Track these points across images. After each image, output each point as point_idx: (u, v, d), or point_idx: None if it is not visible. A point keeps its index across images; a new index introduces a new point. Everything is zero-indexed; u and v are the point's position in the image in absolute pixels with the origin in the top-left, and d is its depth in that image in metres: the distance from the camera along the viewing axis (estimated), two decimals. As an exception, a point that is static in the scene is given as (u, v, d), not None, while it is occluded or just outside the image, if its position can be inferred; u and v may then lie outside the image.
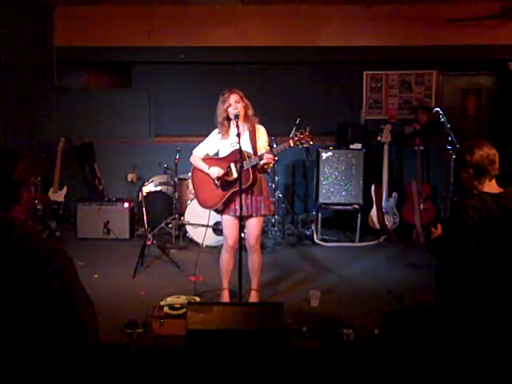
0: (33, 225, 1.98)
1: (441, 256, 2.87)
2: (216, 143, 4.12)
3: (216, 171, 3.99)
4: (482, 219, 2.58)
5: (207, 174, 4.07)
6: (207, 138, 4.16)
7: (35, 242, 1.83)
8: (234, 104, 3.93)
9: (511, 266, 2.61)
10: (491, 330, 2.56)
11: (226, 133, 4.04)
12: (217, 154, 4.18)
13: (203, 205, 4.18)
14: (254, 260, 4.13)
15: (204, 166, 4.07)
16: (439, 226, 2.94)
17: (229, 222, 4.07)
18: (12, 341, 1.78)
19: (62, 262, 1.84)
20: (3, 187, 1.87)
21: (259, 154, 3.97)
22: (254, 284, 4.17)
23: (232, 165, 3.98)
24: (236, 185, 3.89)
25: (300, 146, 3.89)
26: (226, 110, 3.95)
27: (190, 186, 6.00)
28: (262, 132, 4.10)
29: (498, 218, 2.58)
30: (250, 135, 4.02)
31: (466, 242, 2.60)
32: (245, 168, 3.81)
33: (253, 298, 4.16)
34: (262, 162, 3.85)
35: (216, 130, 4.11)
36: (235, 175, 3.95)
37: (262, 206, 4.01)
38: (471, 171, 2.69)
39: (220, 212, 4.12)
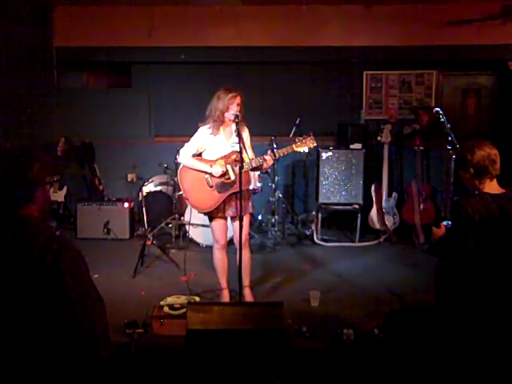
0: (47, 222, 2.01)
1: (441, 256, 2.87)
2: (205, 140, 4.03)
3: (220, 170, 3.93)
4: (481, 220, 2.57)
5: (201, 175, 3.98)
6: (195, 136, 4.06)
7: (48, 238, 1.86)
8: (236, 105, 3.92)
9: (510, 267, 2.61)
10: (491, 330, 2.56)
11: (217, 129, 4.01)
12: (202, 153, 4.09)
13: (196, 207, 4.10)
14: (245, 256, 4.10)
15: (204, 166, 3.98)
16: (442, 225, 2.93)
17: (219, 225, 4.08)
18: (23, 336, 1.80)
19: (74, 258, 1.87)
20: (18, 186, 1.90)
21: (247, 154, 3.97)
22: (247, 281, 4.17)
23: (229, 166, 3.97)
24: (234, 187, 3.90)
25: (302, 151, 3.99)
26: (228, 108, 3.93)
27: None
28: (247, 133, 4.11)
29: (497, 219, 2.58)
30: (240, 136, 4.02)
31: (465, 243, 2.60)
32: (244, 170, 3.82)
33: (247, 295, 4.17)
34: (264, 165, 3.93)
35: (205, 127, 4.03)
36: (233, 177, 3.94)
37: (250, 204, 4.11)
38: (472, 171, 2.69)
39: (209, 215, 4.07)
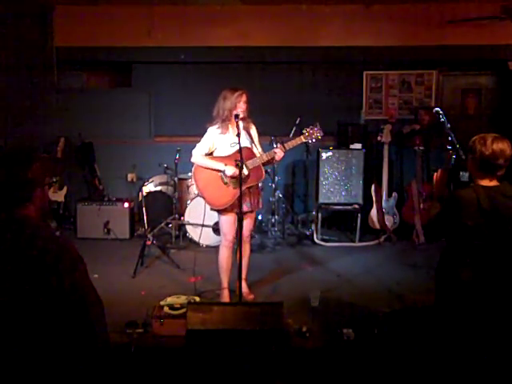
0: (45, 223, 2.01)
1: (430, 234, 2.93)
2: (216, 139, 4.13)
3: (232, 171, 4.00)
4: (472, 212, 2.61)
5: (215, 172, 4.07)
6: (206, 136, 4.15)
7: (47, 239, 1.86)
8: (243, 103, 4.02)
9: (501, 260, 2.64)
10: (487, 328, 2.58)
11: (226, 128, 4.09)
12: (213, 152, 4.18)
13: (213, 204, 4.14)
14: (246, 250, 4.26)
15: (218, 164, 4.06)
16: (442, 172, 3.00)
17: (230, 219, 4.13)
18: (22, 337, 1.79)
19: (73, 260, 1.87)
20: (17, 185, 1.91)
21: (255, 149, 4.15)
22: (244, 273, 4.23)
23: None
24: (247, 182, 4.03)
25: (311, 141, 4.16)
26: (236, 106, 4.01)
27: (194, 188, 6.01)
28: (254, 130, 4.26)
29: (488, 212, 2.61)
30: (247, 133, 4.15)
31: (452, 231, 2.69)
32: (256, 165, 4.03)
33: (243, 287, 4.19)
34: (276, 157, 4.07)
35: (214, 126, 4.12)
36: (246, 172, 4.03)
37: (260, 200, 4.25)
38: (478, 163, 2.69)
39: (220, 210, 4.14)
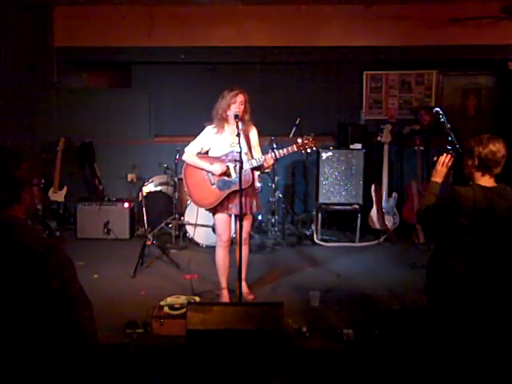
0: (33, 224, 1.98)
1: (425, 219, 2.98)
2: (210, 138, 4.13)
3: (219, 168, 4.01)
4: (468, 210, 2.66)
5: (203, 173, 4.08)
6: (200, 135, 4.17)
7: (35, 240, 1.84)
8: (238, 104, 3.98)
9: (494, 257, 2.67)
10: (477, 325, 2.61)
11: (221, 128, 4.07)
12: (208, 151, 4.19)
13: (198, 203, 4.23)
14: (244, 252, 4.17)
15: (205, 164, 4.08)
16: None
17: (223, 220, 4.13)
18: (9, 339, 1.78)
19: (61, 261, 1.85)
20: (4, 186, 1.88)
21: (255, 153, 4.13)
22: (243, 274, 4.20)
23: (230, 165, 4.00)
24: (235, 185, 3.94)
25: (304, 152, 4.06)
26: (230, 106, 3.99)
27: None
28: (254, 132, 4.22)
29: (483, 211, 2.67)
30: (245, 135, 4.11)
31: (444, 228, 2.75)
32: (245, 169, 3.90)
33: (243, 287, 4.18)
34: (264, 164, 4.01)
35: (210, 126, 4.12)
36: (234, 175, 3.99)
37: (254, 203, 4.17)
38: (476, 162, 2.77)
39: (213, 210, 4.14)
